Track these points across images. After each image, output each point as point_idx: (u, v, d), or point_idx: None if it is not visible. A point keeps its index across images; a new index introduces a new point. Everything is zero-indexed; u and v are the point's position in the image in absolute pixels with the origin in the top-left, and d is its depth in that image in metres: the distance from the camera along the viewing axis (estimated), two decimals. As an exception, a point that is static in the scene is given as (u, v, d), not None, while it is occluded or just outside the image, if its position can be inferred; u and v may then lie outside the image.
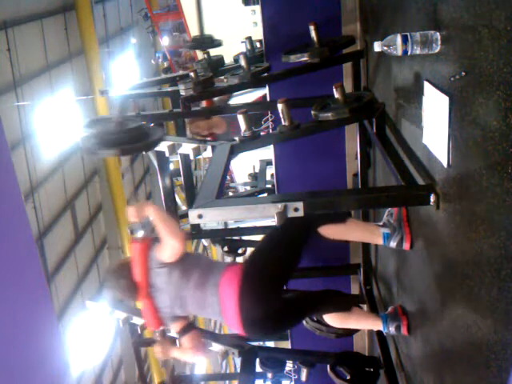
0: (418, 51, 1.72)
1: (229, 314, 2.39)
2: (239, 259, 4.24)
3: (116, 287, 2.61)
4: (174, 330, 2.69)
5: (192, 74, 2.99)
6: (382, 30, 2.60)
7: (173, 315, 2.60)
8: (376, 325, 2.65)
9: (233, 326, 2.45)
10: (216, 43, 3.84)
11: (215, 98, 4.22)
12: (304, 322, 2.85)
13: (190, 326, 2.68)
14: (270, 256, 2.49)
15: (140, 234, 2.59)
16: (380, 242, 2.46)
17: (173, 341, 2.88)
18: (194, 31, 3.88)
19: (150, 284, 2.53)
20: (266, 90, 3.50)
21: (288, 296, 2.62)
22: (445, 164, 1.67)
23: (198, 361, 2.96)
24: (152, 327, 2.73)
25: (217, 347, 3.06)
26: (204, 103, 4.09)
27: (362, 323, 2.76)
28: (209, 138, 4.43)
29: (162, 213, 2.49)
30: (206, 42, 3.83)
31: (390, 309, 2.63)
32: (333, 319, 2.67)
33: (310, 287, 2.84)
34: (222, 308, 2.40)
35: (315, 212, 2.20)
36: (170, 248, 2.42)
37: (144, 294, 2.54)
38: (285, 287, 2.62)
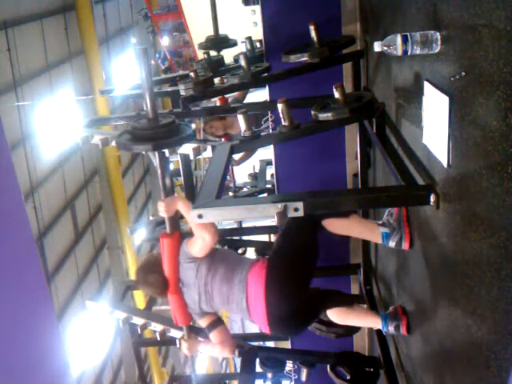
0: (418, 51, 1.72)
1: (255, 310, 2.42)
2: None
3: (145, 283, 2.61)
4: (202, 325, 2.69)
5: (192, 74, 2.99)
6: (382, 30, 2.60)
7: (200, 310, 2.61)
8: (376, 322, 2.66)
9: (258, 322, 2.47)
10: (231, 43, 3.79)
11: (230, 96, 4.17)
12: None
13: (218, 322, 2.69)
14: (291, 252, 2.50)
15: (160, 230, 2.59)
16: (379, 240, 2.48)
17: (197, 336, 2.88)
18: (208, 31, 3.80)
19: (179, 279, 2.53)
20: (266, 90, 3.50)
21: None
22: (445, 164, 1.67)
23: (226, 356, 2.97)
24: (180, 323, 2.73)
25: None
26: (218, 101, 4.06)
27: (363, 320, 2.77)
28: (223, 139, 4.42)
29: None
30: (221, 42, 3.77)
31: (390, 309, 2.63)
32: (334, 314, 2.69)
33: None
34: (249, 304, 2.42)
35: (316, 211, 2.21)
36: (201, 241, 2.42)
37: (173, 289, 2.55)
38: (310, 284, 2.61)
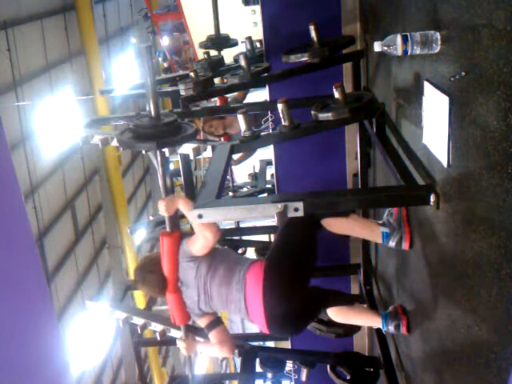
0: (418, 51, 1.72)
1: (254, 311, 2.42)
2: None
3: (144, 282, 2.61)
4: (201, 324, 2.69)
5: (192, 74, 2.99)
6: (382, 30, 2.60)
7: (200, 310, 2.61)
8: (376, 321, 2.66)
9: (257, 322, 2.48)
10: (232, 43, 3.81)
11: (230, 96, 4.18)
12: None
13: (217, 321, 2.69)
14: (289, 251, 2.50)
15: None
16: (379, 240, 2.48)
17: (195, 336, 2.89)
18: (208, 31, 3.83)
19: (178, 278, 2.53)
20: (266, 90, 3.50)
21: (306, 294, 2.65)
22: (445, 164, 1.67)
23: (225, 356, 2.97)
24: (178, 322, 2.73)
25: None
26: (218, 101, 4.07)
27: (363, 319, 2.78)
28: (222, 139, 4.42)
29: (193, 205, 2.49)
30: (221, 41, 3.79)
31: (390, 308, 2.64)
32: (335, 313, 2.70)
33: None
34: (247, 303, 2.42)
35: (316, 211, 2.21)
36: (202, 240, 2.42)
37: (172, 288, 2.55)
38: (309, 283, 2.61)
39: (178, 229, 2.58)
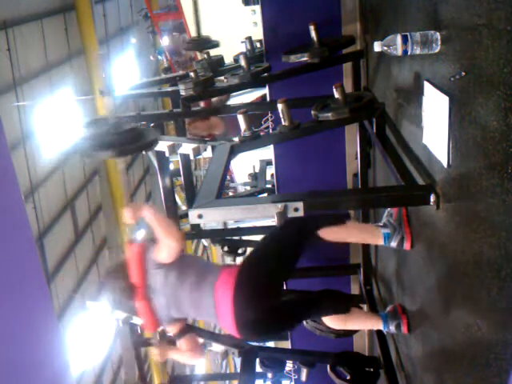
0: (418, 51, 1.72)
1: (223, 315, 2.38)
2: (238, 260, 4.23)
3: (113, 288, 2.62)
4: (171, 332, 2.69)
5: (192, 74, 2.99)
6: (382, 30, 2.60)
7: (169, 317, 2.61)
8: (375, 325, 2.65)
9: (227, 327, 2.44)
10: (214, 44, 3.86)
11: (214, 99, 4.23)
12: (304, 322, 2.85)
13: (187, 328, 2.69)
14: (266, 258, 2.44)
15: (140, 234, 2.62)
16: (380, 242, 2.45)
17: (170, 342, 2.89)
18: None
19: (147, 285, 2.53)
20: (265, 90, 3.50)
21: (286, 298, 2.62)
22: (445, 164, 1.67)
23: (196, 363, 2.96)
24: (149, 329, 2.74)
25: (217, 347, 3.06)
26: (202, 104, 4.10)
27: (362, 324, 2.76)
28: (207, 139, 4.44)
29: (159, 213, 2.51)
30: (203, 42, 3.84)
31: (389, 308, 2.63)
32: (332, 321, 2.66)
33: (309, 287, 2.84)
34: (217, 310, 2.38)
35: (315, 213, 2.20)
36: (167, 248, 2.43)
37: (141, 295, 2.55)
38: (283, 289, 2.60)
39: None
